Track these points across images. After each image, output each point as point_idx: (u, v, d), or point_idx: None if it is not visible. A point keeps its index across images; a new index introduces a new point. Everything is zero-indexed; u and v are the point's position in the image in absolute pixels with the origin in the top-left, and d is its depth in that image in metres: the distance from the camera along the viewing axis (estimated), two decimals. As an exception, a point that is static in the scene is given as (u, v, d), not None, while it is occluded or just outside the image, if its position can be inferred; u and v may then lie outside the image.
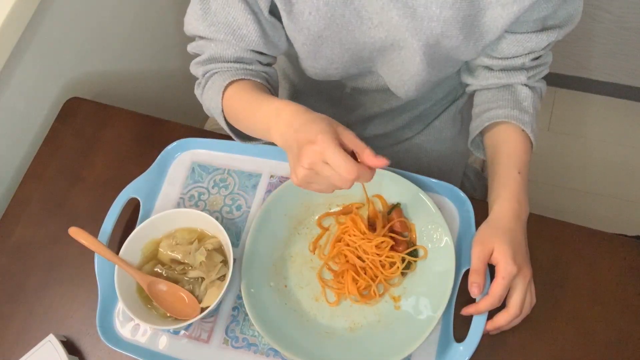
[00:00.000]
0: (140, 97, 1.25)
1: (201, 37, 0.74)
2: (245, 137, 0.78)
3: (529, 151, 0.75)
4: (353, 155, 0.57)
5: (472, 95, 0.85)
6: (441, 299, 0.69)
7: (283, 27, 0.73)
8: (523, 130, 0.75)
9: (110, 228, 0.79)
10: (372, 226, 0.76)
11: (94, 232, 0.76)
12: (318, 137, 0.55)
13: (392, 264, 0.73)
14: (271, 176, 0.83)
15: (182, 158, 0.86)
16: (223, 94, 0.72)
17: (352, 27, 0.70)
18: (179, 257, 0.75)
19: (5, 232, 0.86)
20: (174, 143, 0.86)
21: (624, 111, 1.72)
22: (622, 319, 0.72)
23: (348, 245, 0.75)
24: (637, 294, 0.73)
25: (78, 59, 1.05)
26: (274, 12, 0.71)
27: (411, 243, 0.75)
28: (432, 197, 0.76)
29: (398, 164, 0.81)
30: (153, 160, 0.84)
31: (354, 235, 0.74)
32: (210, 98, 0.74)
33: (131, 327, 0.75)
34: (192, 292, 0.73)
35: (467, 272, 0.70)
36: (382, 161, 0.56)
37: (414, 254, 0.74)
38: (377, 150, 1.00)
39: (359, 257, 0.74)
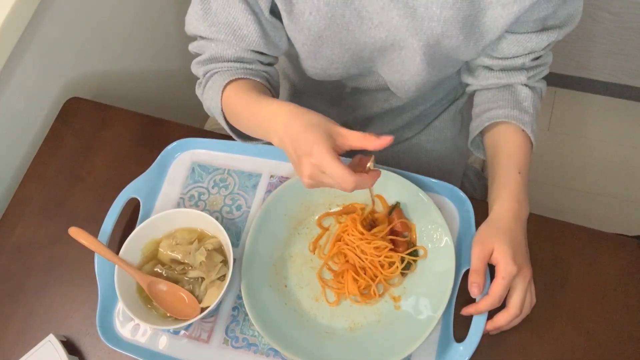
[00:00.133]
0: (140, 97, 1.25)
1: (202, 37, 0.75)
2: (245, 137, 0.78)
3: (529, 151, 0.75)
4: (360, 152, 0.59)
5: (472, 95, 0.85)
6: (441, 299, 0.69)
7: (284, 27, 0.73)
8: (523, 130, 0.75)
9: (110, 228, 0.79)
10: (372, 224, 0.76)
11: (94, 232, 0.76)
12: (314, 150, 0.56)
13: (391, 264, 0.73)
14: (271, 176, 0.83)
15: (182, 158, 0.86)
16: (222, 93, 0.72)
17: (352, 27, 0.70)
18: (179, 257, 0.75)
19: (5, 232, 0.86)
20: (174, 143, 0.86)
21: (624, 111, 1.72)
22: (622, 319, 0.72)
23: (347, 244, 0.75)
24: (637, 294, 0.73)
25: (78, 59, 1.05)
26: (274, 12, 0.71)
27: (411, 243, 0.75)
28: (432, 197, 0.76)
29: (398, 164, 0.81)
30: (153, 160, 0.84)
31: (353, 235, 0.74)
32: (211, 97, 0.74)
33: (131, 327, 0.75)
34: (192, 292, 0.73)
35: (467, 272, 0.70)
36: (387, 139, 0.57)
37: (414, 254, 0.74)
38: (377, 150, 0.99)
39: (358, 257, 0.74)
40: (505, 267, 0.65)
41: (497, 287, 0.65)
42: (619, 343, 0.70)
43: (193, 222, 0.77)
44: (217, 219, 0.77)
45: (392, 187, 0.77)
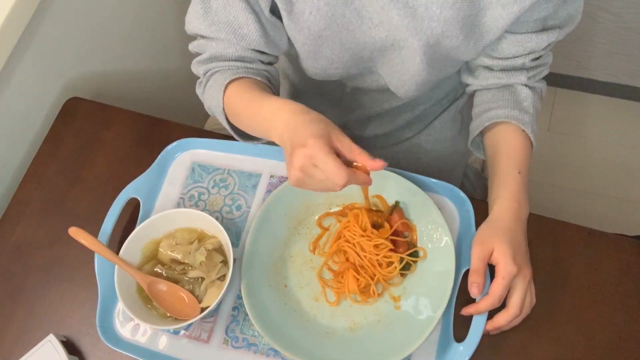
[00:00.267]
0: (140, 97, 1.25)
1: (202, 36, 0.75)
2: (246, 136, 0.78)
3: (529, 151, 0.75)
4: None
5: (472, 95, 0.85)
6: (441, 299, 0.69)
7: (284, 27, 0.74)
8: (523, 130, 0.75)
9: (110, 228, 0.79)
10: (374, 226, 0.76)
11: (94, 232, 0.76)
12: (309, 142, 0.55)
13: (389, 264, 0.73)
14: (271, 176, 0.83)
15: (182, 158, 0.86)
16: (224, 92, 0.72)
17: (352, 27, 0.70)
18: (179, 257, 0.75)
19: (5, 232, 0.86)
20: (174, 143, 0.86)
21: (624, 111, 1.72)
22: (622, 319, 0.72)
23: (348, 241, 0.75)
24: (637, 294, 0.73)
25: (78, 59, 1.05)
26: (274, 11, 0.71)
27: (412, 244, 0.75)
28: (432, 197, 0.76)
29: (398, 164, 0.81)
30: (153, 160, 0.84)
31: (354, 232, 0.74)
32: (212, 97, 0.74)
33: (131, 327, 0.75)
34: (192, 292, 0.73)
35: (467, 272, 0.69)
36: (380, 163, 0.57)
37: (414, 255, 0.74)
38: (377, 150, 1.00)
39: (357, 254, 0.74)
40: (505, 267, 0.65)
41: (497, 287, 0.65)
42: (619, 343, 0.70)
43: (193, 222, 0.77)
44: (217, 219, 0.77)
45: (392, 187, 0.77)
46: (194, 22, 0.73)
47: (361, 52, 0.74)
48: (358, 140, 1.03)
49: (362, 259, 0.73)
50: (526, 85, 0.77)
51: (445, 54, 0.71)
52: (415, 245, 0.75)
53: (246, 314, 0.73)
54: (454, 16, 0.65)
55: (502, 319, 0.67)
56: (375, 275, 0.73)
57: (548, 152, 1.68)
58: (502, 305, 0.67)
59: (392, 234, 0.74)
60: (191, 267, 0.75)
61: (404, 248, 0.74)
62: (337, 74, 0.80)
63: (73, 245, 0.75)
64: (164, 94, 1.35)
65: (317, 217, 0.80)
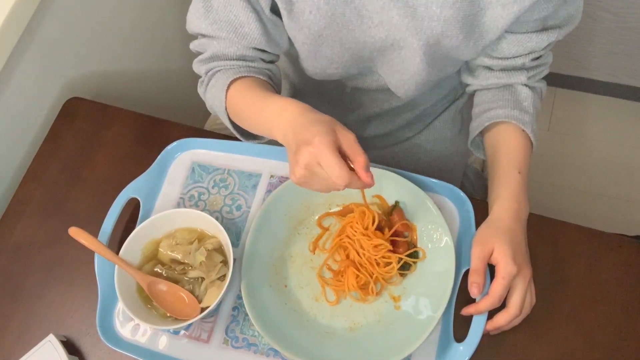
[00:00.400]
0: (140, 97, 1.25)
1: (203, 35, 0.75)
2: (248, 135, 0.78)
3: (529, 151, 0.75)
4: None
5: (472, 95, 0.85)
6: (441, 299, 0.69)
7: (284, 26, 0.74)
8: (523, 130, 0.75)
9: (110, 228, 0.79)
10: (377, 227, 0.76)
11: (94, 232, 0.76)
12: (315, 140, 0.55)
13: (387, 264, 0.73)
14: (271, 176, 0.83)
15: (182, 158, 0.86)
16: (226, 92, 0.72)
17: (352, 26, 0.70)
18: (179, 257, 0.75)
19: (5, 232, 0.86)
20: (174, 143, 0.86)
21: (624, 111, 1.72)
22: (622, 319, 0.72)
23: (349, 237, 0.75)
24: (637, 294, 0.73)
25: (78, 59, 1.05)
26: (275, 10, 0.71)
27: (412, 244, 0.75)
28: (432, 197, 0.76)
29: (398, 164, 0.81)
30: (153, 160, 0.84)
31: (356, 229, 0.74)
32: (214, 96, 0.74)
33: (131, 327, 0.75)
34: (192, 292, 0.73)
35: (467, 272, 0.70)
36: (368, 177, 0.57)
37: (413, 255, 0.74)
38: (377, 150, 1.00)
39: (357, 251, 0.74)
40: (505, 267, 0.65)
41: (497, 287, 0.65)
42: (619, 343, 0.70)
43: (193, 222, 0.77)
44: (217, 219, 0.77)
45: (391, 187, 0.77)
46: (195, 21, 0.73)
47: (361, 51, 0.74)
48: (358, 140, 1.03)
49: (361, 257, 0.73)
50: (526, 85, 0.77)
51: (445, 53, 0.71)
52: (415, 246, 0.75)
53: (246, 314, 0.73)
54: (453, 16, 0.65)
55: (502, 319, 0.67)
56: (373, 273, 0.73)
57: (548, 152, 1.68)
58: (502, 305, 0.67)
59: (392, 234, 0.74)
60: (191, 267, 0.75)
61: (404, 248, 0.74)
62: (336, 73, 0.80)
63: (73, 245, 0.75)
64: (164, 94, 1.35)
65: (317, 217, 0.80)
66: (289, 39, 0.76)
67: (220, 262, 0.74)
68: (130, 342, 0.74)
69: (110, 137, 0.93)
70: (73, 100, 0.97)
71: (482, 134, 0.81)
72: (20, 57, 0.91)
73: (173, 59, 1.36)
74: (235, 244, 0.79)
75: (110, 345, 0.72)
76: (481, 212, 0.73)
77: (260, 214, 0.77)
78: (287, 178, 0.83)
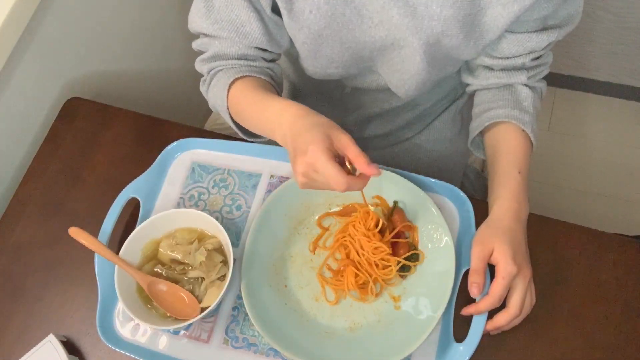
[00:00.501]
0: (140, 97, 1.25)
1: (205, 35, 0.75)
2: (250, 134, 0.78)
3: (529, 151, 0.75)
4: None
5: (472, 95, 0.85)
6: (441, 299, 0.69)
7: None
8: (523, 130, 0.75)
9: (110, 228, 0.79)
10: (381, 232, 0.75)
11: (94, 232, 0.76)
12: (309, 149, 0.57)
13: (386, 266, 0.73)
14: (271, 176, 0.83)
15: (182, 158, 0.86)
16: (228, 91, 0.73)
17: (352, 25, 0.70)
18: (179, 257, 0.75)
19: (5, 232, 0.86)
20: (174, 143, 0.86)
21: (624, 111, 1.72)
22: (622, 319, 0.72)
23: (351, 236, 0.75)
24: (637, 294, 0.73)
25: (78, 59, 1.05)
26: (276, 10, 0.72)
27: (412, 245, 0.75)
28: (432, 197, 0.76)
29: (398, 164, 0.81)
30: (153, 160, 0.84)
31: (358, 229, 0.74)
32: (216, 95, 0.75)
33: (131, 327, 0.75)
34: (192, 292, 0.73)
35: (467, 272, 0.70)
36: (373, 170, 0.58)
37: (412, 258, 0.74)
38: (377, 150, 1.00)
39: (356, 251, 0.74)
40: (505, 267, 0.65)
41: (497, 287, 0.65)
42: (619, 343, 0.70)
43: (193, 222, 0.77)
44: (217, 219, 0.77)
45: (391, 187, 0.77)
46: (196, 20, 0.74)
47: (361, 51, 0.74)
48: (358, 140, 1.03)
49: (361, 257, 0.73)
50: (526, 85, 0.77)
51: (445, 53, 0.71)
52: (416, 247, 0.75)
53: (246, 314, 0.73)
54: (454, 15, 0.65)
55: (502, 319, 0.67)
56: (372, 274, 0.73)
57: (548, 152, 1.68)
58: (502, 305, 0.67)
59: (394, 236, 0.74)
60: (191, 267, 0.75)
61: (405, 249, 0.74)
62: (337, 73, 0.80)
63: (73, 245, 0.75)
64: (164, 94, 1.35)
65: (317, 217, 0.80)
66: (290, 38, 0.76)
67: (220, 262, 0.74)
68: (130, 342, 0.74)
69: (110, 137, 0.93)
70: (73, 100, 0.97)
71: (482, 133, 0.81)
72: (20, 57, 0.91)
73: (173, 59, 1.36)
74: (235, 244, 0.79)
75: (110, 345, 0.72)
76: (481, 212, 0.73)
77: (260, 214, 0.77)
78: (287, 178, 0.83)
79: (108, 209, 0.79)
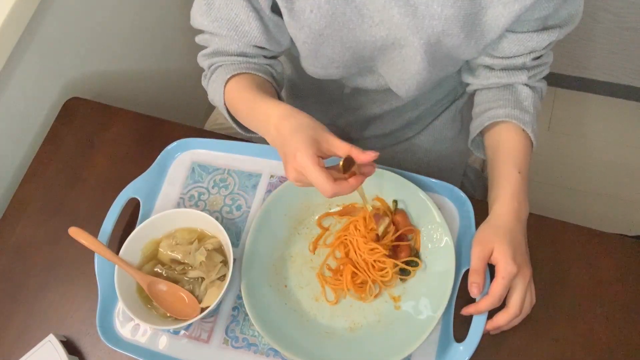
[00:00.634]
0: (140, 97, 1.25)
1: (206, 32, 0.76)
2: (249, 130, 0.79)
3: (529, 151, 0.75)
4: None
5: (472, 95, 0.85)
6: (441, 299, 0.69)
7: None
8: (523, 130, 0.75)
9: (110, 228, 0.79)
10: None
11: (94, 232, 0.76)
12: (297, 156, 0.59)
13: (382, 268, 0.73)
14: (271, 176, 0.83)
15: (182, 158, 0.86)
16: (224, 88, 0.74)
17: (353, 25, 0.70)
18: (179, 257, 0.75)
19: (5, 232, 0.86)
20: (174, 143, 0.86)
21: (624, 111, 1.72)
22: (623, 319, 0.72)
23: (350, 235, 0.75)
24: (637, 294, 0.73)
25: (78, 59, 1.05)
26: (276, 9, 0.72)
27: (414, 249, 0.75)
28: (432, 197, 0.76)
29: (398, 164, 0.81)
30: (153, 160, 0.84)
31: (359, 229, 0.74)
32: (215, 91, 0.76)
33: (131, 327, 0.75)
34: (192, 292, 0.73)
35: (467, 272, 0.69)
36: (371, 155, 0.59)
37: (411, 263, 0.74)
38: (377, 150, 0.99)
39: (354, 251, 0.74)
40: (505, 267, 0.65)
41: (497, 287, 0.65)
42: (618, 343, 0.70)
43: (193, 222, 0.77)
44: (217, 219, 0.77)
45: (391, 187, 0.77)
46: (197, 17, 0.75)
47: (362, 50, 0.74)
48: (358, 140, 1.04)
49: (358, 257, 0.73)
50: (527, 85, 0.77)
51: (446, 52, 0.71)
52: (417, 251, 0.75)
53: (246, 314, 0.73)
54: (454, 14, 0.65)
55: (502, 319, 0.67)
56: (370, 275, 0.73)
57: (548, 152, 1.68)
58: (502, 305, 0.67)
59: (396, 238, 0.74)
60: (191, 267, 0.75)
61: (406, 253, 0.74)
62: (337, 73, 0.80)
63: (73, 245, 0.75)
64: (164, 94, 1.35)
65: (317, 217, 0.80)
66: (291, 37, 0.76)
67: (220, 262, 0.74)
68: (130, 342, 0.74)
69: (110, 137, 0.93)
70: (73, 100, 0.97)
71: (482, 133, 0.81)
72: (20, 57, 0.91)
73: (173, 59, 1.36)
74: (235, 244, 0.79)
75: (110, 345, 0.72)
76: (481, 212, 0.73)
77: (260, 214, 0.77)
78: (287, 178, 0.82)
79: (108, 209, 0.79)
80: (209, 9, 0.72)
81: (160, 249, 0.76)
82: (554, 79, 1.73)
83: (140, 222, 0.79)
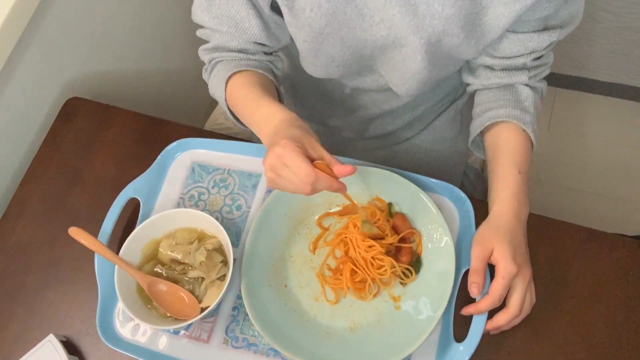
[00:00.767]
0: (140, 97, 1.25)
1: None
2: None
3: (529, 151, 0.75)
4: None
5: (472, 95, 0.85)
6: (441, 299, 0.69)
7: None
8: (524, 130, 0.75)
9: (110, 228, 0.79)
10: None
11: (94, 232, 0.76)
12: (282, 142, 0.59)
13: (380, 266, 0.73)
14: (271, 176, 0.83)
15: (182, 158, 0.86)
16: (226, 84, 0.74)
17: (353, 24, 0.70)
18: (179, 257, 0.75)
19: (5, 232, 0.86)
20: (174, 143, 0.86)
21: (624, 111, 1.72)
22: (622, 319, 0.72)
23: (350, 233, 0.75)
24: (637, 294, 0.73)
25: (78, 59, 1.05)
26: (276, 8, 0.72)
27: (415, 254, 0.75)
28: (432, 197, 0.76)
29: (398, 164, 0.81)
30: (153, 160, 0.84)
31: (357, 227, 0.74)
32: (215, 86, 0.77)
33: (131, 327, 0.75)
34: (192, 292, 0.73)
35: (467, 272, 0.69)
36: (347, 168, 0.60)
37: (413, 265, 0.74)
38: (377, 150, 1.00)
39: (353, 249, 0.74)
40: (505, 266, 0.65)
41: (497, 287, 0.65)
42: (619, 343, 0.70)
43: (193, 222, 0.77)
44: (217, 219, 0.77)
45: (391, 187, 0.77)
46: (198, 13, 0.75)
47: (362, 50, 0.74)
48: (358, 140, 1.03)
49: (357, 255, 0.73)
50: (527, 85, 0.77)
51: (446, 52, 0.71)
52: (419, 255, 0.75)
53: (246, 314, 0.73)
54: (455, 14, 0.65)
55: (502, 319, 0.67)
56: (369, 273, 0.73)
57: (548, 152, 1.68)
58: (502, 305, 0.67)
59: (400, 243, 0.74)
60: (191, 267, 0.75)
61: (408, 257, 0.74)
62: (337, 72, 0.80)
63: (73, 245, 0.75)
64: (164, 94, 1.35)
65: (317, 217, 0.80)
66: (290, 35, 0.77)
67: (220, 262, 0.74)
68: (130, 342, 0.74)
69: (110, 137, 0.93)
70: (73, 100, 0.97)
71: (482, 133, 0.81)
72: (20, 57, 0.91)
73: (173, 59, 1.36)
74: (235, 244, 0.79)
75: (110, 345, 0.72)
76: (481, 212, 0.73)
77: (260, 214, 0.77)
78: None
79: (108, 209, 0.79)
80: (209, 5, 0.73)
81: (160, 249, 0.76)
82: (554, 79, 1.73)
83: (140, 222, 0.79)
